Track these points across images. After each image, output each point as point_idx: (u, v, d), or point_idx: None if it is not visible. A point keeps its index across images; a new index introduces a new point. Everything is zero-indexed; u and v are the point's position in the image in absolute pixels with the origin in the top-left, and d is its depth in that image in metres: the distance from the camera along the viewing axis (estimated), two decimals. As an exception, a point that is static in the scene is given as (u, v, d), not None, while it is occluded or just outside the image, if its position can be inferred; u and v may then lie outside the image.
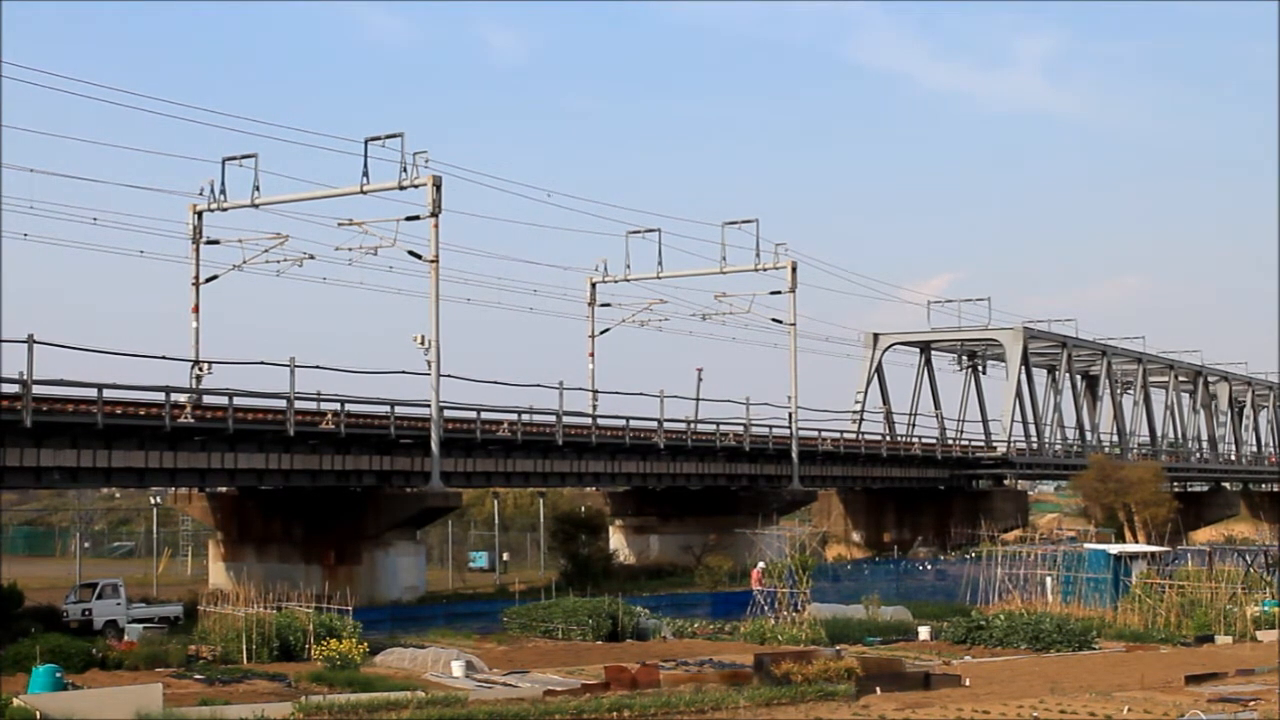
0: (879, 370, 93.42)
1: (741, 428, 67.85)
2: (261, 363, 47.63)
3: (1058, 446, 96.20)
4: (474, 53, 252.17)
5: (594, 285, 72.38)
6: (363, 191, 52.39)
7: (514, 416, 54.72)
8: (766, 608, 42.07)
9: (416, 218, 51.30)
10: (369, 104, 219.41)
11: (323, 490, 49.97)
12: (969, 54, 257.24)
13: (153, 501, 68.23)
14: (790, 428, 70.31)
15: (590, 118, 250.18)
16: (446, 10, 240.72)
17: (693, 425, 66.02)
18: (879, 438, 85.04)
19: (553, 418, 56.44)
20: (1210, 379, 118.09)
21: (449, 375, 51.69)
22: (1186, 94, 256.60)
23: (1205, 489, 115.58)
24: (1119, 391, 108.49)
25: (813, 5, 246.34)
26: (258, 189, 53.32)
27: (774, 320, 72.13)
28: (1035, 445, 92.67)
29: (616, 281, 72.06)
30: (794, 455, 70.21)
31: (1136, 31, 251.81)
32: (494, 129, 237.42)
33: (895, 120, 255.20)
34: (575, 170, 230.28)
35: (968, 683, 29.90)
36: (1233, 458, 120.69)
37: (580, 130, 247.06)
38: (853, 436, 79.66)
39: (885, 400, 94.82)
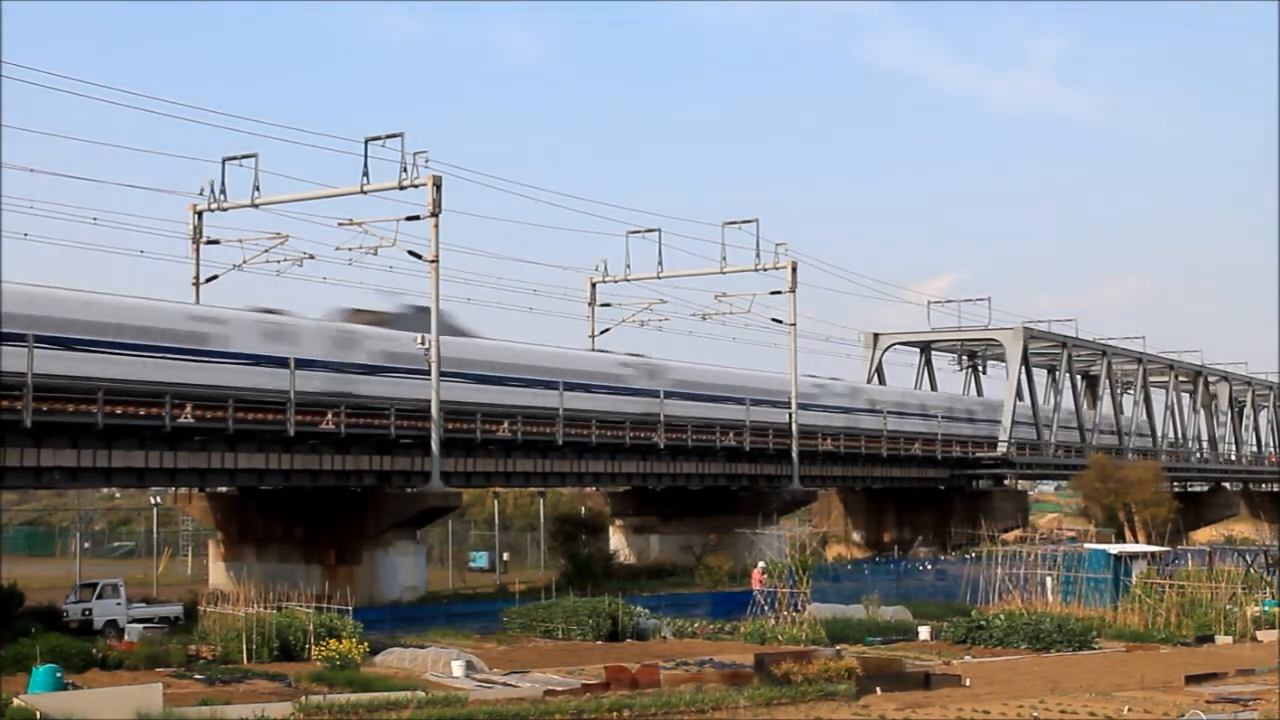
0: (879, 370, 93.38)
1: (742, 428, 67.80)
2: (262, 362, 47.50)
3: (1056, 446, 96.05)
4: (476, 53, 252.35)
5: (594, 285, 72.35)
6: (363, 191, 52.38)
7: (514, 416, 54.70)
8: (766, 608, 42.03)
9: (416, 218, 51.29)
10: (370, 104, 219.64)
11: (323, 490, 49.98)
12: (979, 55, 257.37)
13: (153, 501, 68.18)
14: (790, 427, 70.28)
15: (591, 118, 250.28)
16: (447, 10, 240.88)
17: (693, 425, 65.94)
18: (879, 437, 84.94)
19: (553, 417, 56.41)
20: (1210, 379, 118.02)
21: (449, 375, 51.70)
22: (1188, 95, 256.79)
23: (1205, 489, 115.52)
24: (1119, 391, 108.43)
25: (818, 5, 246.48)
26: (258, 189, 53.34)
27: (774, 320, 72.12)
28: (1035, 445, 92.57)
29: (616, 281, 72.03)
30: (794, 455, 70.18)
31: (1143, 33, 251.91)
32: (494, 129, 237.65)
33: (898, 121, 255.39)
34: (575, 170, 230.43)
35: (968, 683, 29.91)
36: (1233, 458, 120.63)
37: (581, 130, 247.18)
38: (853, 436, 79.52)
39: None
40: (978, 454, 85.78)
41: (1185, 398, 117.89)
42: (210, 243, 55.11)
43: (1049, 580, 46.53)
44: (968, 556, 57.68)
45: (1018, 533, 72.60)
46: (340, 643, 31.84)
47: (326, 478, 49.00)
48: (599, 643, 38.56)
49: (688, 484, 67.73)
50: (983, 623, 39.58)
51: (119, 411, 41.38)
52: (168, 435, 42.97)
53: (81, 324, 41.35)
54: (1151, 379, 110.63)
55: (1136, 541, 71.81)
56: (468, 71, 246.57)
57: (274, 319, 47.83)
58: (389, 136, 51.42)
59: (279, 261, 54.45)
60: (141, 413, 42.04)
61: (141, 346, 42.75)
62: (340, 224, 53.16)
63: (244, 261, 54.51)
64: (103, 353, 41.46)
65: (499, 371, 55.68)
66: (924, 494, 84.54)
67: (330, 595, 38.28)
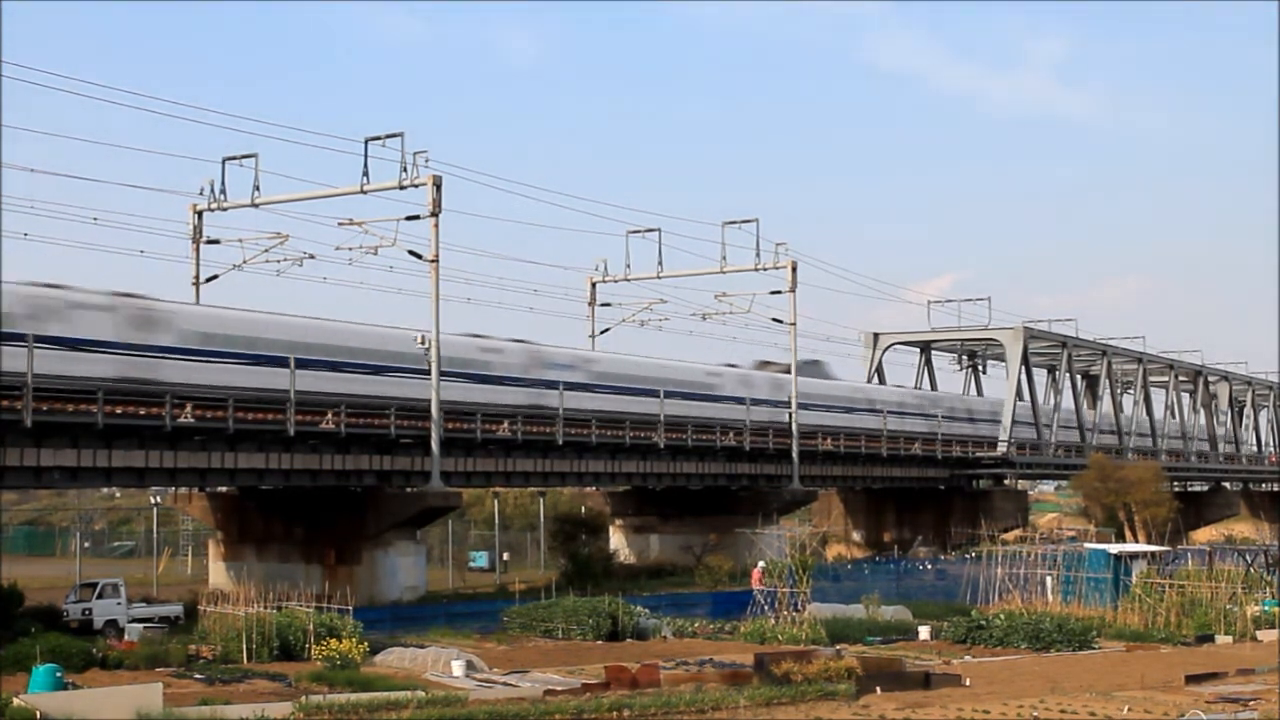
0: (879, 370, 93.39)
1: (742, 427, 67.78)
2: (262, 361, 47.51)
3: (1056, 446, 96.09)
4: (476, 53, 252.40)
5: (594, 285, 72.35)
6: (363, 191, 52.37)
7: (514, 416, 54.71)
8: (766, 607, 42.03)
9: (416, 217, 51.29)
10: (370, 104, 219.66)
11: (323, 490, 49.96)
12: (979, 55, 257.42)
13: (153, 501, 68.15)
14: (790, 427, 70.26)
15: (592, 118, 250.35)
16: (447, 10, 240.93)
17: (693, 424, 65.92)
18: (879, 437, 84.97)
19: (553, 417, 56.43)
20: (1210, 379, 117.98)
21: (449, 374, 51.72)
22: (1188, 95, 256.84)
23: (1205, 489, 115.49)
24: (1119, 391, 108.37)
25: (818, 5, 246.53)
26: (258, 189, 53.35)
27: (774, 320, 72.11)
28: (1035, 445, 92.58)
29: (617, 281, 72.04)
30: (794, 455, 70.16)
31: (1143, 33, 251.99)
32: (495, 129, 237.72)
33: (898, 121, 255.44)
34: (576, 170, 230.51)
35: (968, 682, 29.90)
36: (1233, 457, 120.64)
37: (581, 130, 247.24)
38: (853, 436, 79.49)
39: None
40: (978, 454, 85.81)
41: (1185, 398, 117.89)
42: (210, 243, 55.13)
43: (1049, 580, 46.52)
44: (968, 556, 57.65)
45: (1018, 532, 72.60)
46: (340, 642, 31.82)
47: (326, 477, 48.98)
48: (599, 643, 38.55)
49: (688, 484, 67.71)
50: (983, 622, 39.56)
51: (119, 411, 41.39)
52: (168, 435, 42.96)
53: (633, 377, 63.13)
54: (1151, 379, 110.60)
55: (1136, 541, 71.80)
56: (468, 71, 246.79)
57: (745, 373, 72.51)
58: (389, 136, 51.46)
59: (279, 261, 54.55)
60: (141, 412, 42.05)
61: (684, 395, 64.96)
62: (340, 224, 53.23)
63: (244, 261, 54.56)
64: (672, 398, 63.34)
65: (835, 403, 77.71)
66: (924, 494, 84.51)
67: (330, 595, 38.27)
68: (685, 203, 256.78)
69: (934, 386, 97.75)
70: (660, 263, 70.53)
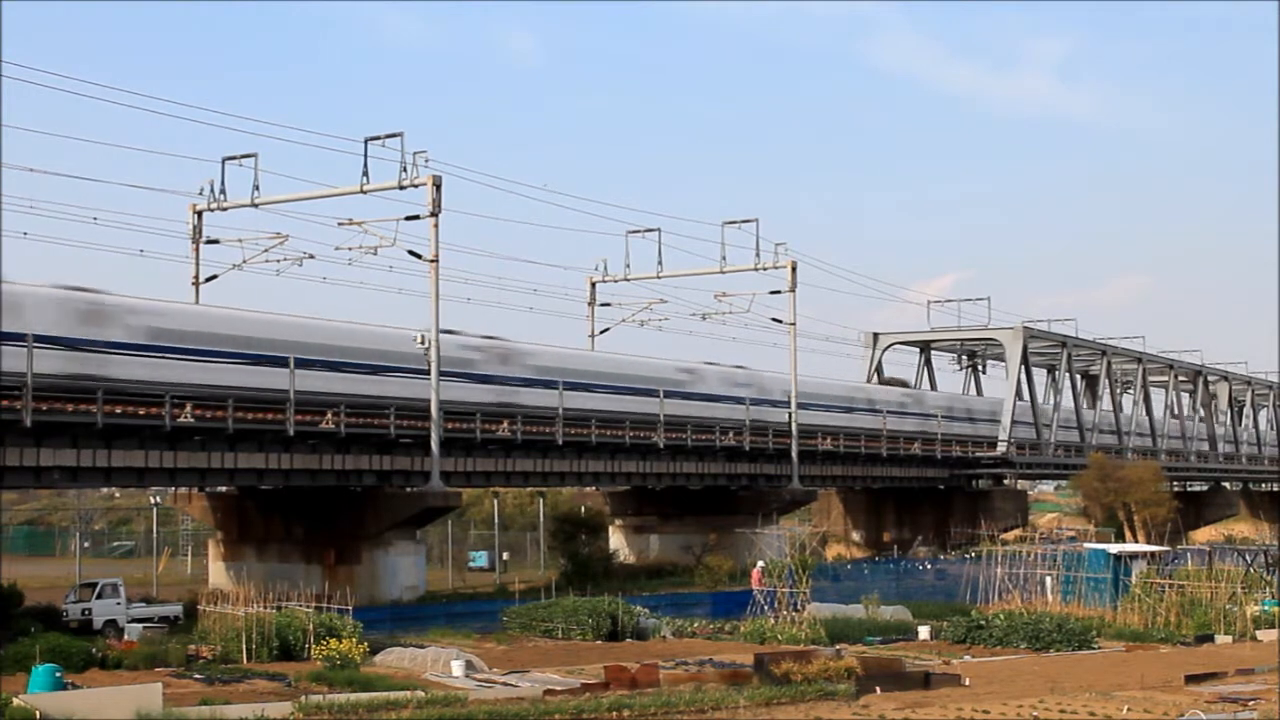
0: (879, 370, 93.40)
1: (741, 427, 67.75)
2: (261, 361, 47.49)
3: (1056, 446, 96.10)
4: (477, 53, 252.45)
5: (594, 285, 72.33)
6: (363, 191, 52.36)
7: (514, 416, 54.68)
8: (766, 607, 42.03)
9: (416, 217, 51.28)
10: (370, 104, 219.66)
11: (323, 490, 49.94)
12: (979, 55, 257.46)
13: (153, 501, 68.15)
14: (790, 427, 70.23)
15: (592, 117, 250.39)
16: (447, 10, 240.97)
17: (692, 424, 65.90)
18: (879, 437, 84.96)
19: (553, 417, 56.40)
20: (1210, 379, 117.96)
21: (449, 374, 51.69)
22: (1189, 95, 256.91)
23: (1205, 489, 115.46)
24: (1119, 391, 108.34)
25: (819, 5, 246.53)
26: (258, 189, 53.36)
27: (774, 320, 72.11)
28: (1035, 445, 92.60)
29: (616, 281, 72.03)
30: (794, 455, 70.14)
31: (1144, 33, 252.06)
32: (495, 129, 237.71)
33: (898, 121, 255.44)
34: (576, 170, 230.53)
35: (968, 682, 29.90)
36: (1233, 457, 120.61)
37: (581, 130, 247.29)
38: (852, 436, 79.48)
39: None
40: (977, 453, 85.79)
41: (1185, 398, 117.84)
42: (210, 242, 55.12)
43: (1049, 580, 46.52)
44: (967, 556, 57.66)
45: (1017, 532, 72.60)
46: (340, 642, 31.81)
47: (326, 477, 48.95)
48: (599, 643, 38.54)
49: (688, 484, 67.68)
50: (982, 622, 39.56)
51: (119, 411, 41.36)
52: (167, 435, 42.94)
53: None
54: (1151, 379, 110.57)
55: (1136, 541, 71.79)
56: (468, 71, 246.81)
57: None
58: (389, 136, 51.45)
59: (279, 261, 54.54)
60: (141, 412, 42.03)
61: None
62: (340, 224, 53.22)
63: (244, 261, 54.55)
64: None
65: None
66: (924, 494, 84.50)
67: (330, 595, 38.26)
68: (685, 203, 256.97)
69: (934, 387, 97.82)
70: (660, 263, 70.58)
